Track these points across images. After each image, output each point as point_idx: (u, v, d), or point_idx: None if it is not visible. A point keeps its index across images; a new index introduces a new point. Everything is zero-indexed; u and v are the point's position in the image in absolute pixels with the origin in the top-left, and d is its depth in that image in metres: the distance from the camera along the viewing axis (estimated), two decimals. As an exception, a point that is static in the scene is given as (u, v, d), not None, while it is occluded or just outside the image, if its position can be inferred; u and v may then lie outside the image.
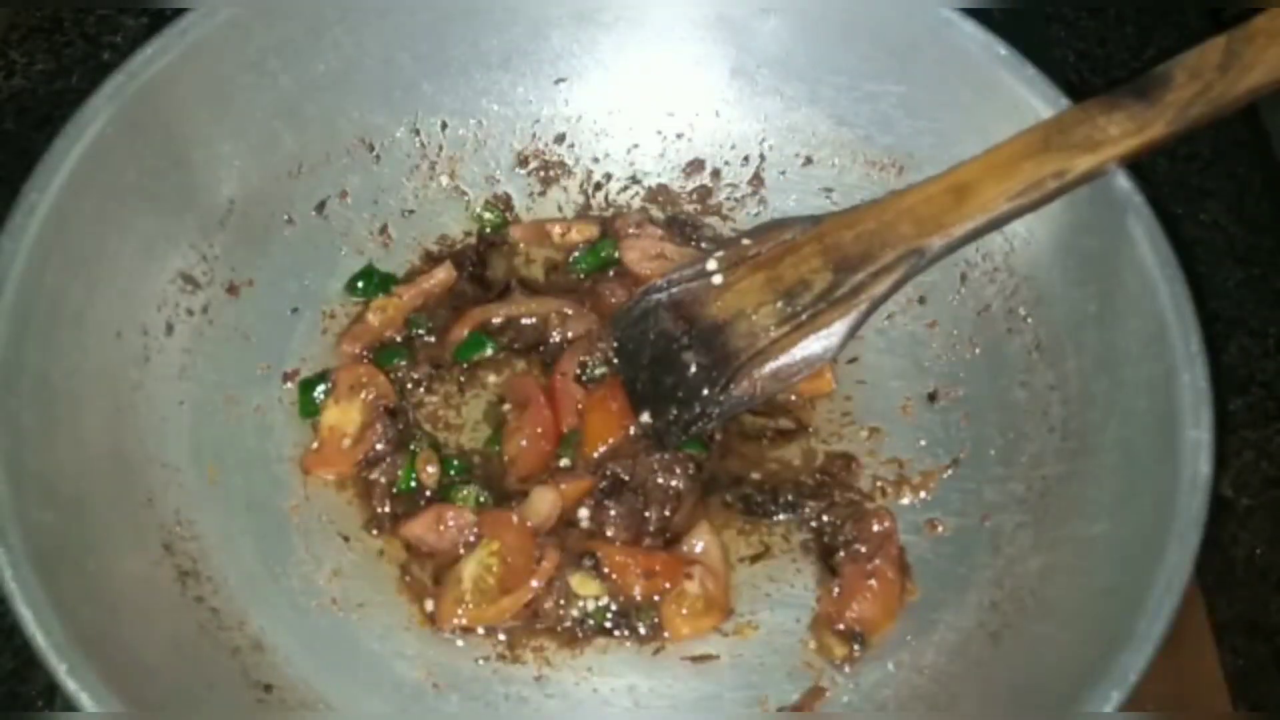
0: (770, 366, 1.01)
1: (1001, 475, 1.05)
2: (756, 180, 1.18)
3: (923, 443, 1.09)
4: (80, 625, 0.83)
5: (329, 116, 1.12)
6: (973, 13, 1.07)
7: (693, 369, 1.03)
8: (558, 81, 1.17)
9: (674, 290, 1.05)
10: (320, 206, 1.13)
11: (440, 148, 1.17)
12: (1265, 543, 1.12)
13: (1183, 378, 0.92)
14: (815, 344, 1.00)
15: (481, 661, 0.99)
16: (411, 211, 1.16)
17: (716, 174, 1.19)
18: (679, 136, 1.19)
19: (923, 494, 1.07)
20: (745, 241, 1.05)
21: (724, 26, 1.14)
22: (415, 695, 0.98)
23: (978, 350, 1.10)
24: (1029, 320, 1.07)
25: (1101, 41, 1.36)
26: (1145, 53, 1.36)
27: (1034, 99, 1.03)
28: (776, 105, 1.16)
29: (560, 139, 1.19)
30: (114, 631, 0.87)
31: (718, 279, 1.04)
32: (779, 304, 1.01)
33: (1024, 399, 1.06)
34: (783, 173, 1.18)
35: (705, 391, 1.02)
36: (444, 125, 1.16)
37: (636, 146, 1.20)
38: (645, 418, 1.05)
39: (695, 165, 1.19)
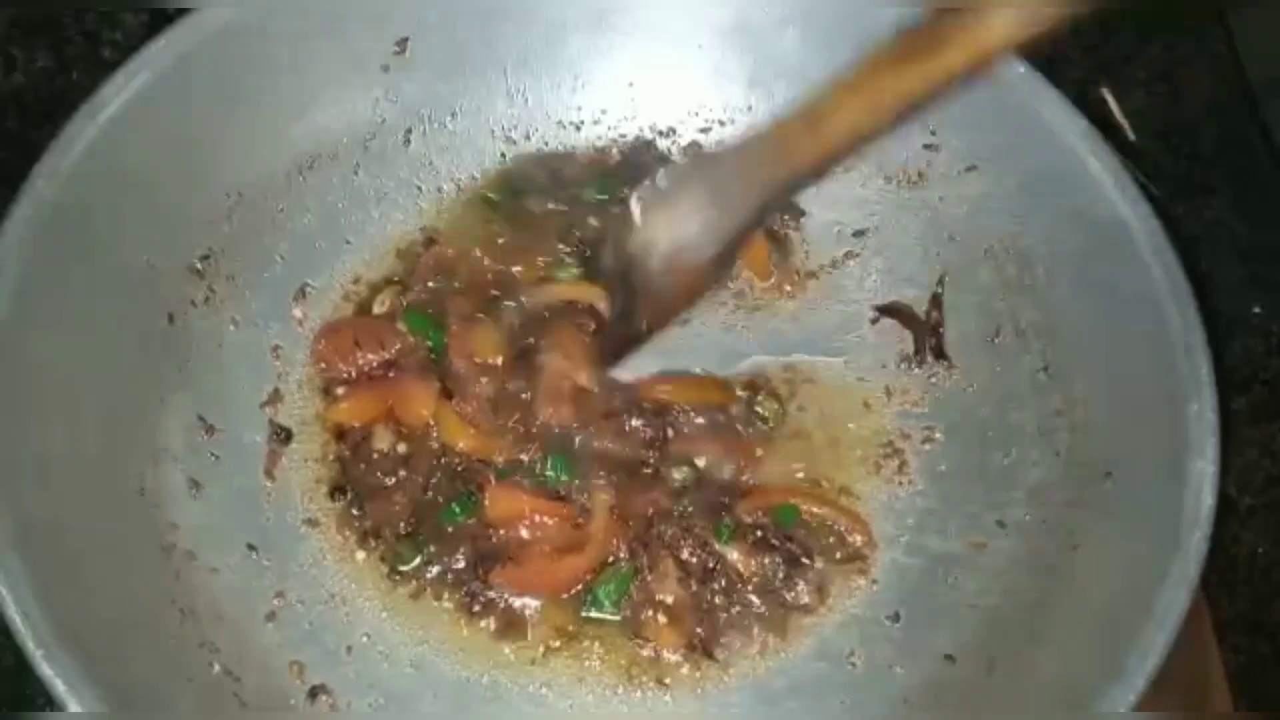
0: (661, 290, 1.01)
1: (1003, 500, 1.04)
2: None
3: (927, 463, 1.09)
4: (61, 611, 0.84)
5: (340, 114, 1.12)
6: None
7: (620, 300, 1.03)
8: (573, 86, 1.17)
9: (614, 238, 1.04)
10: (328, 203, 1.13)
11: (452, 148, 1.16)
12: (1267, 541, 1.12)
13: (1191, 407, 0.93)
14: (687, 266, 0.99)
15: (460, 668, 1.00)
16: (417, 211, 1.16)
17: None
18: (692, 145, 1.19)
19: (924, 514, 1.07)
20: (661, 183, 1.01)
21: (742, 36, 1.14)
22: (404, 692, 0.98)
23: (985, 373, 1.10)
24: (1038, 344, 1.07)
25: (1104, 40, 1.36)
26: (1150, 49, 1.35)
27: (1052, 117, 1.03)
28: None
29: (571, 144, 1.18)
30: (96, 620, 0.87)
31: (638, 218, 1.00)
32: (674, 237, 0.98)
33: (1030, 423, 1.05)
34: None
35: (626, 322, 1.03)
36: (457, 126, 1.16)
37: (648, 152, 1.19)
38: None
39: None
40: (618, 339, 1.06)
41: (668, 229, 0.97)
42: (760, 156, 0.94)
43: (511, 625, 1.01)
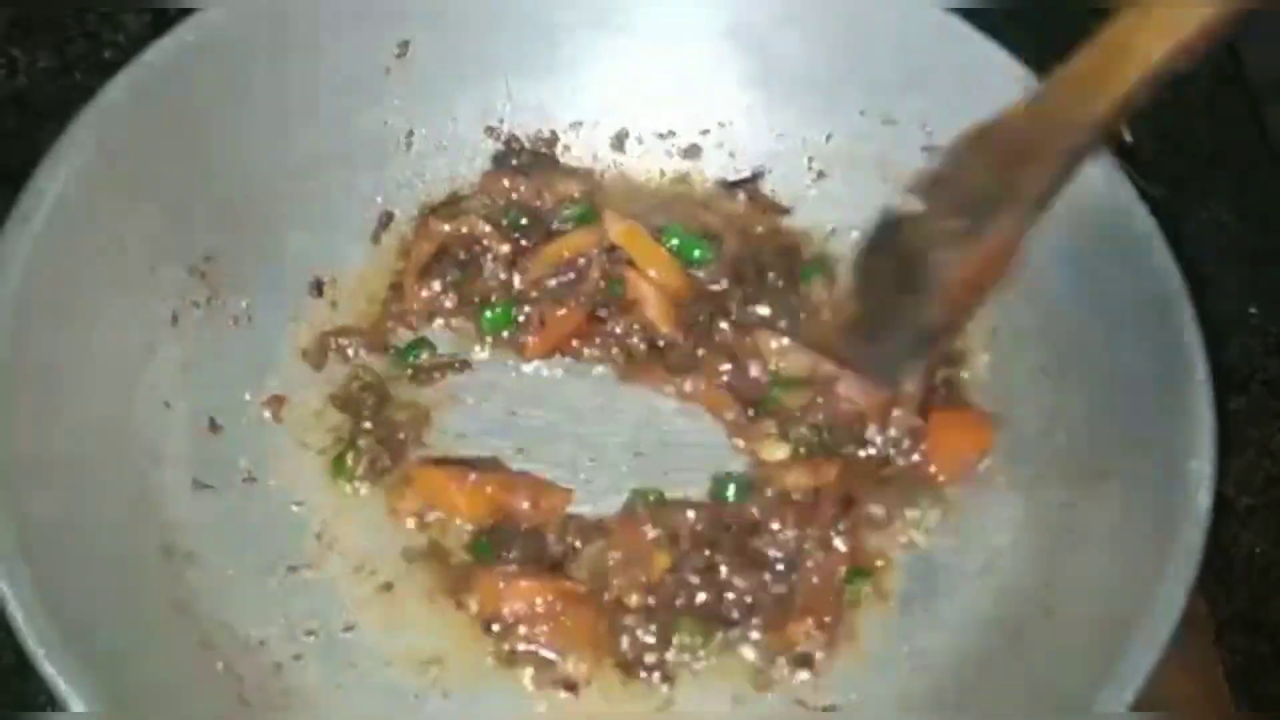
0: (956, 279, 0.93)
1: (1002, 500, 1.04)
2: (767, 194, 1.18)
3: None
4: (62, 611, 0.84)
5: (341, 116, 1.12)
6: (973, 13, 1.07)
7: (903, 300, 0.96)
8: (573, 87, 1.17)
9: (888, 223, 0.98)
10: (329, 204, 1.13)
11: (453, 150, 1.17)
12: (1266, 541, 1.12)
13: (1189, 407, 0.93)
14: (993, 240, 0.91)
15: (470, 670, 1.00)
16: (420, 211, 1.16)
17: (726, 185, 1.19)
18: (692, 147, 1.19)
19: (923, 515, 1.06)
20: (939, 163, 0.97)
21: (742, 36, 1.14)
22: (410, 690, 0.98)
23: (984, 372, 1.10)
24: (1037, 344, 1.07)
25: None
26: (1148, 50, 1.35)
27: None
28: (791, 118, 1.16)
29: (573, 145, 1.19)
30: (96, 620, 0.87)
31: (919, 205, 0.95)
32: (962, 220, 0.92)
33: (1030, 423, 1.06)
34: (795, 186, 1.18)
35: (916, 319, 0.96)
36: (458, 129, 1.16)
37: (649, 154, 1.20)
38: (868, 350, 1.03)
39: (706, 177, 1.19)
40: (902, 347, 1.00)
41: (960, 208, 0.91)
42: (1053, 112, 0.89)
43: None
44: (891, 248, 0.96)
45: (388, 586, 1.01)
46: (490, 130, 1.17)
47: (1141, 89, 0.86)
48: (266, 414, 1.07)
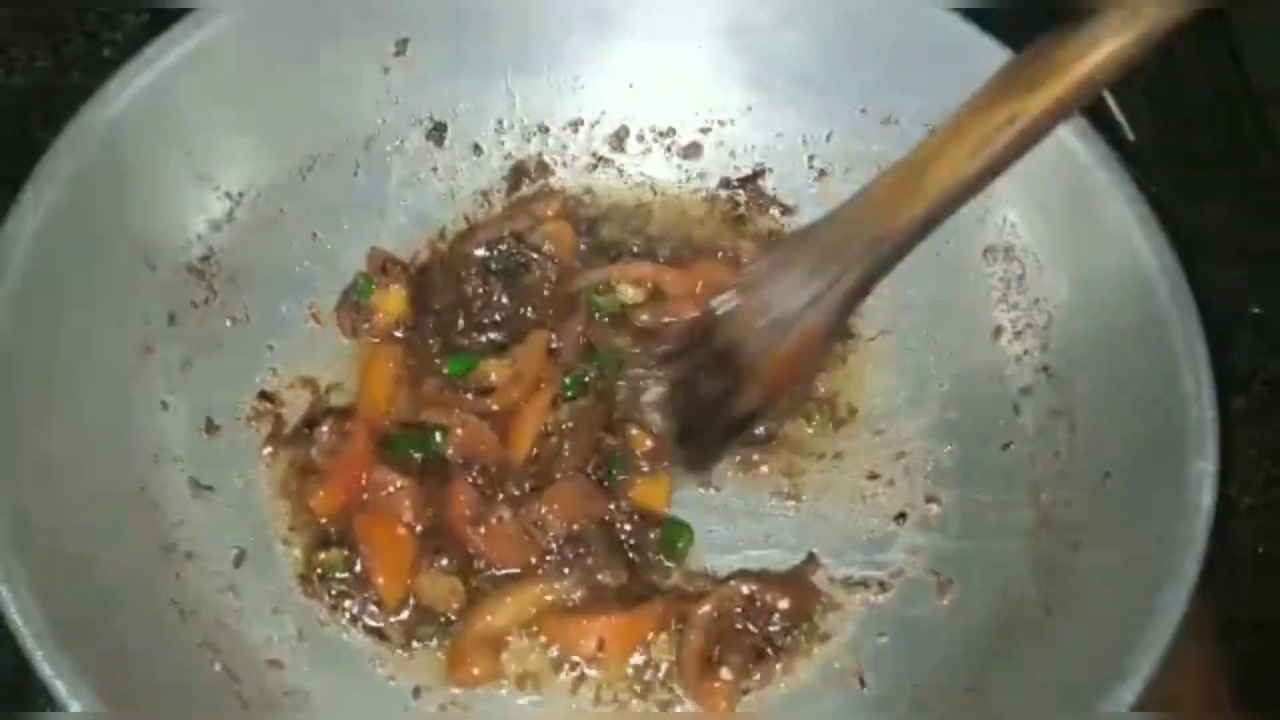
0: (768, 368, 1.00)
1: (1004, 500, 1.04)
2: (768, 192, 1.18)
3: (927, 466, 1.09)
4: (61, 611, 0.84)
5: (340, 115, 1.12)
6: (974, 13, 1.07)
7: (714, 391, 1.02)
8: (573, 86, 1.17)
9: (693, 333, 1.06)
10: (328, 203, 1.13)
11: (452, 149, 1.16)
12: (1268, 541, 1.12)
13: (1190, 407, 0.93)
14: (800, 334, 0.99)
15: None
16: (420, 211, 1.16)
17: (727, 184, 1.18)
18: (692, 145, 1.19)
19: (926, 518, 1.07)
20: (748, 267, 1.06)
21: (742, 35, 1.14)
22: (396, 695, 0.98)
23: (986, 372, 1.09)
24: (1038, 344, 1.07)
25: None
26: (1148, 50, 1.35)
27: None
28: (792, 117, 1.16)
29: (571, 145, 1.18)
30: (96, 620, 0.87)
31: (729, 306, 1.03)
32: (775, 315, 0.99)
33: (1030, 423, 1.05)
34: (796, 186, 1.17)
35: (729, 407, 1.02)
36: (456, 127, 1.16)
37: (649, 153, 1.19)
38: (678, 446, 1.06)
39: (706, 176, 1.19)
40: (713, 430, 1.05)
41: (770, 306, 0.97)
42: (861, 220, 0.94)
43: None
44: (707, 344, 1.02)
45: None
46: (490, 129, 1.17)
47: (956, 196, 0.92)
48: (264, 414, 1.07)
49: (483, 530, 1.01)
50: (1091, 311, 1.03)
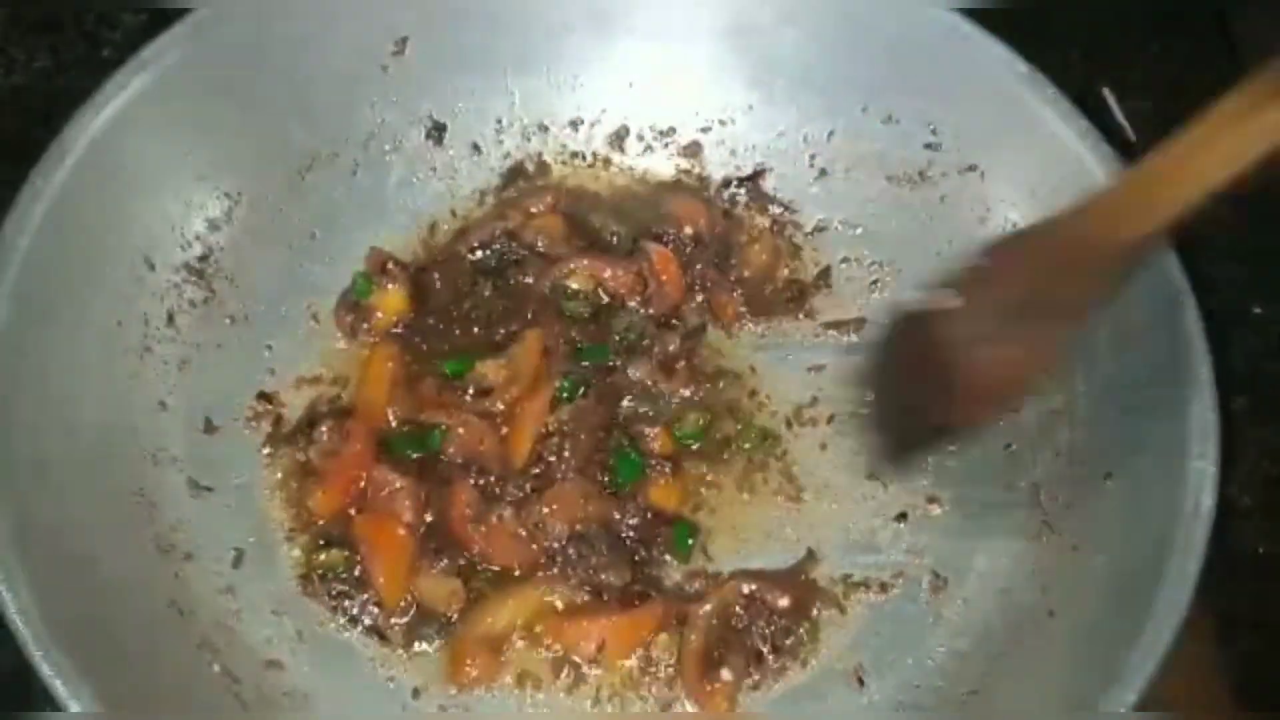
0: (985, 381, 0.91)
1: (1004, 500, 1.04)
2: (768, 192, 1.18)
3: (927, 466, 1.08)
4: (61, 611, 0.84)
5: (339, 114, 1.12)
6: (974, 12, 1.07)
7: (924, 394, 0.94)
8: (573, 86, 1.17)
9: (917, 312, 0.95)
10: (327, 203, 1.13)
11: (451, 148, 1.16)
12: (1268, 542, 1.12)
13: (1191, 407, 0.93)
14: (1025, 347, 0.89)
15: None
16: (419, 211, 1.16)
17: (727, 184, 1.18)
18: (692, 145, 1.19)
19: (926, 518, 1.07)
20: (977, 263, 0.94)
21: (742, 35, 1.14)
22: (396, 695, 0.98)
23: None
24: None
25: (1104, 39, 1.36)
26: (1149, 49, 1.35)
27: (1053, 117, 1.03)
28: (793, 116, 1.16)
29: (571, 144, 1.18)
30: (96, 620, 0.87)
31: (956, 301, 0.91)
32: (1001, 326, 0.89)
33: (1030, 423, 1.05)
34: (797, 185, 1.17)
35: (934, 414, 0.95)
36: (455, 126, 1.16)
37: (649, 152, 1.19)
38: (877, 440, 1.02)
39: (706, 175, 1.19)
40: (912, 438, 1.00)
41: (994, 312, 0.87)
42: (1102, 224, 0.86)
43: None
44: (918, 340, 0.92)
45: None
46: (490, 129, 1.17)
47: (1192, 212, 0.83)
48: (263, 414, 1.07)
49: (484, 529, 1.01)
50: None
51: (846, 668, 1.01)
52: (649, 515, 1.04)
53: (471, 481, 1.02)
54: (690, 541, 1.04)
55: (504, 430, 1.06)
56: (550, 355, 1.08)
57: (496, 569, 1.02)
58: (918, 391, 0.94)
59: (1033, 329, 0.87)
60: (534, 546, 1.01)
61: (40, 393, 0.92)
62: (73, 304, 0.96)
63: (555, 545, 1.01)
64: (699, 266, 1.13)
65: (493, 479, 1.03)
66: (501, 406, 1.06)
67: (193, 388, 1.04)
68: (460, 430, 1.04)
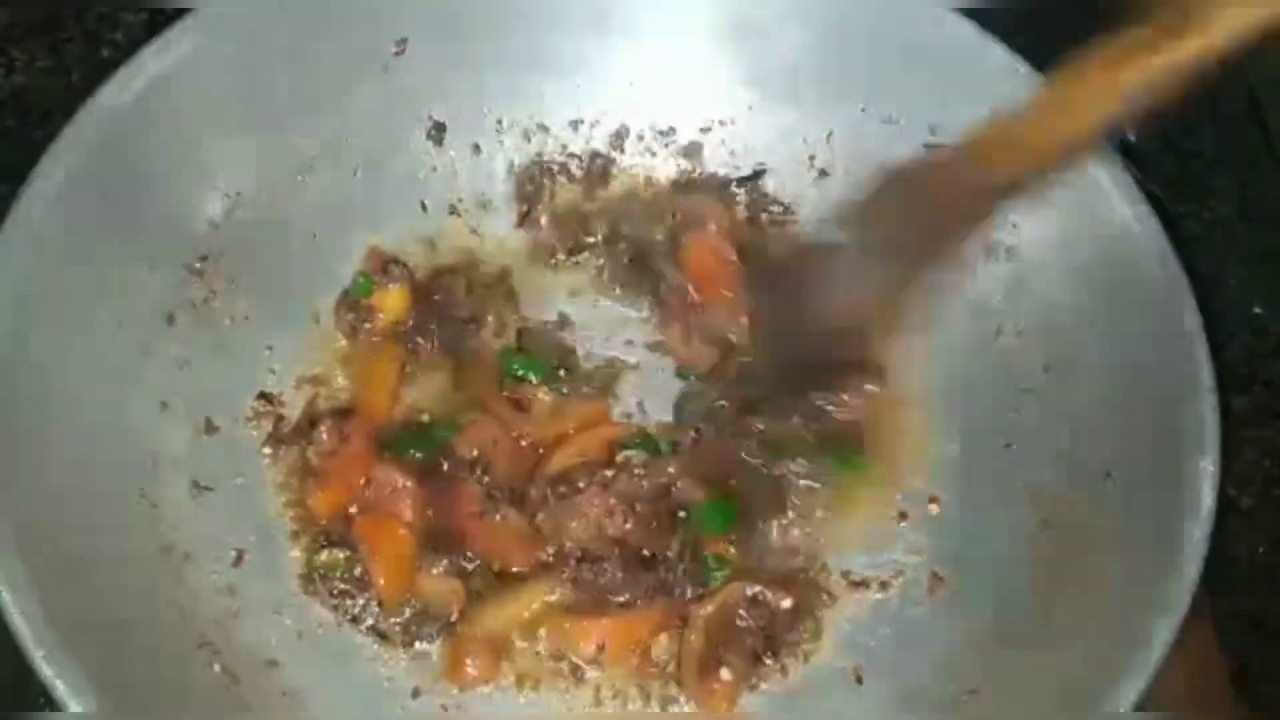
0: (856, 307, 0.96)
1: (1004, 500, 1.04)
2: (768, 192, 1.18)
3: (926, 465, 1.08)
4: (61, 611, 0.84)
5: (339, 114, 1.12)
6: (974, 12, 1.07)
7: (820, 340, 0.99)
8: (573, 86, 1.17)
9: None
10: (328, 203, 1.13)
11: (451, 150, 1.16)
12: (1268, 541, 1.12)
13: (1191, 407, 0.93)
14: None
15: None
16: (416, 212, 1.16)
17: (727, 184, 1.18)
18: (693, 145, 1.19)
19: (926, 517, 1.07)
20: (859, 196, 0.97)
21: (742, 35, 1.14)
22: (396, 695, 0.98)
23: (986, 371, 1.09)
24: (1038, 343, 1.07)
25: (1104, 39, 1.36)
26: (1148, 49, 1.35)
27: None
28: (792, 116, 1.16)
29: (570, 144, 1.18)
30: (96, 620, 0.87)
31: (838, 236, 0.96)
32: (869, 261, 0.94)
33: (1030, 423, 1.05)
34: (796, 186, 1.17)
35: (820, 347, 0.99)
36: (456, 127, 1.16)
37: (648, 152, 1.19)
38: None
39: (707, 175, 1.19)
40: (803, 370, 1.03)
41: (876, 247, 0.92)
42: (973, 161, 0.89)
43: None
44: (803, 275, 0.97)
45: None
46: (490, 129, 1.17)
47: (1068, 153, 0.87)
48: (264, 414, 1.07)
49: (487, 527, 1.01)
50: (1091, 311, 1.03)
51: (846, 668, 1.01)
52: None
53: (476, 479, 1.02)
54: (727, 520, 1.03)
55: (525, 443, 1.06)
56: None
57: (497, 569, 1.02)
58: (809, 329, 0.97)
59: (899, 264, 0.91)
60: (538, 545, 1.01)
61: (40, 393, 0.92)
62: (73, 304, 0.96)
63: (570, 561, 1.01)
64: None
65: (501, 477, 1.03)
66: (530, 429, 1.06)
67: (193, 388, 1.04)
68: (474, 424, 1.04)
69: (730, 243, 1.13)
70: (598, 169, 1.18)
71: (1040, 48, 1.06)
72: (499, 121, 1.17)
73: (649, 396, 1.10)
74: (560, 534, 1.01)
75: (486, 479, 1.03)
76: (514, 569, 1.02)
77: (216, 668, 0.93)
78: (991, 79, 1.06)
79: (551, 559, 1.01)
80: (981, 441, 1.07)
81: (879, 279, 0.92)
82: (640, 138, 1.19)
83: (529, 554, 1.02)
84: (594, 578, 1.00)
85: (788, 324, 0.99)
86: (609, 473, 1.02)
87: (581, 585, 1.00)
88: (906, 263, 0.92)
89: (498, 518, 1.01)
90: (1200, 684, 1.05)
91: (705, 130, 1.18)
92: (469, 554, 1.01)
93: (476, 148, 1.17)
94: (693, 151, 1.19)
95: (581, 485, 1.02)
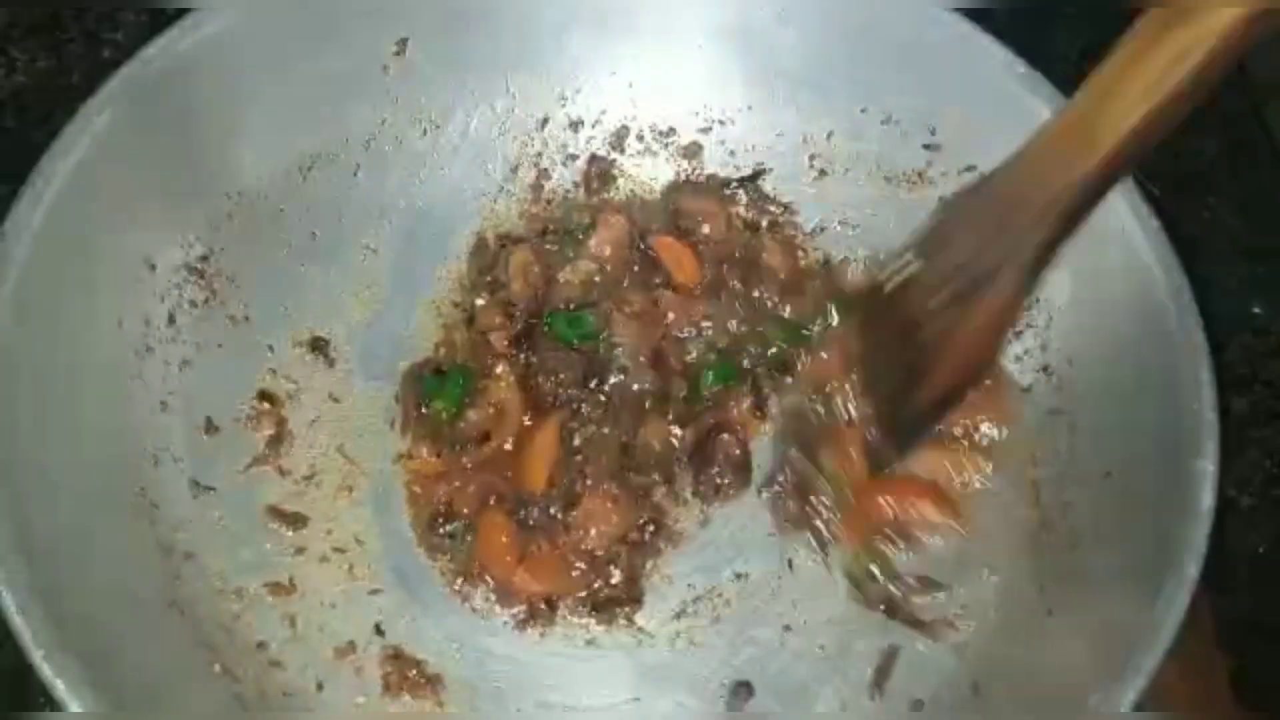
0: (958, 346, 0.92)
1: (1005, 499, 1.04)
2: (768, 192, 1.18)
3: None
4: (61, 611, 0.84)
5: (340, 114, 1.12)
6: (974, 13, 1.07)
7: (900, 374, 0.96)
8: (573, 86, 1.17)
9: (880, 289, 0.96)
10: (328, 203, 1.13)
11: (453, 149, 1.16)
12: (1268, 541, 1.12)
13: (1191, 407, 0.93)
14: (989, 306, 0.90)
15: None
16: (419, 211, 1.16)
17: (727, 184, 1.18)
18: (692, 145, 1.19)
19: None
20: (932, 223, 0.96)
21: (742, 35, 1.14)
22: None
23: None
24: (1038, 343, 1.07)
25: (1105, 38, 1.36)
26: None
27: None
28: (792, 116, 1.16)
29: (571, 145, 1.18)
30: (96, 620, 0.87)
31: (905, 274, 0.93)
32: (959, 286, 0.90)
33: (1030, 423, 1.05)
34: (796, 185, 1.17)
35: (916, 394, 0.96)
36: (456, 127, 1.16)
37: (649, 152, 1.19)
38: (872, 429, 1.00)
39: (707, 176, 1.19)
40: (904, 424, 0.99)
41: (955, 267, 0.88)
42: (1035, 176, 0.86)
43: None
44: (888, 315, 0.93)
45: (384, 589, 1.02)
46: (490, 128, 1.17)
47: (1135, 142, 0.83)
48: (264, 414, 1.07)
49: (526, 563, 1.01)
50: (1091, 311, 1.03)
51: (847, 667, 1.01)
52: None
53: (505, 513, 1.03)
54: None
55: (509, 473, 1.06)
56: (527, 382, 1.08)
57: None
58: (900, 370, 0.94)
59: (995, 283, 0.87)
60: (574, 571, 1.02)
61: (41, 393, 0.92)
62: (73, 304, 0.96)
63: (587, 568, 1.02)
64: (725, 266, 1.13)
65: (522, 508, 1.03)
66: (508, 447, 1.06)
67: (194, 387, 1.04)
68: (471, 490, 1.04)
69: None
70: (598, 169, 1.18)
71: (1040, 48, 1.06)
72: (499, 122, 1.17)
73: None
74: (585, 546, 1.02)
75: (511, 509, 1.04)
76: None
77: (217, 667, 0.93)
78: (991, 79, 1.06)
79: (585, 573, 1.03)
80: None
81: (978, 306, 0.89)
82: (640, 138, 1.19)
83: (569, 580, 1.02)
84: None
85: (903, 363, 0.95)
86: None
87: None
88: (999, 278, 0.88)
89: (534, 550, 1.02)
90: (1200, 684, 1.05)
91: (705, 130, 1.18)
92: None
93: (476, 148, 1.17)
94: (693, 151, 1.19)
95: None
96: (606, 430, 1.06)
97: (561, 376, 1.07)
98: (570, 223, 1.15)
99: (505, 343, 1.09)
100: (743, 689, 0.99)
